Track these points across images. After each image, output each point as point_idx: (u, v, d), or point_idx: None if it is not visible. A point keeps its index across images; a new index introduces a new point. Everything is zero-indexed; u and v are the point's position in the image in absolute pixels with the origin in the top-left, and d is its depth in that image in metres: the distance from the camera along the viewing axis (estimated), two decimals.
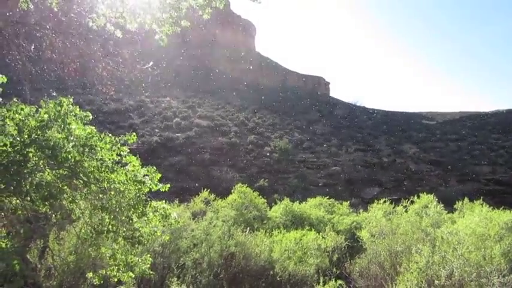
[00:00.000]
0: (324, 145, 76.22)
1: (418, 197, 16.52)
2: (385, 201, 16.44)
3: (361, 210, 22.57)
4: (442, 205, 15.20)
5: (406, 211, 15.17)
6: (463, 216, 13.67)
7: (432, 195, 16.31)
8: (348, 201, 27.57)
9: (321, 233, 14.63)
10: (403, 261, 9.55)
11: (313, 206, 23.78)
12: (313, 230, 15.23)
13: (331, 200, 26.37)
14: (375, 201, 17.75)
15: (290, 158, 65.67)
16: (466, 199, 17.85)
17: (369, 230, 13.15)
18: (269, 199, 30.04)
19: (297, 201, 24.00)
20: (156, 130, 65.64)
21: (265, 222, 20.51)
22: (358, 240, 13.42)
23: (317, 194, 32.36)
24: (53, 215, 6.46)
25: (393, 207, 16.14)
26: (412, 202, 16.18)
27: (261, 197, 23.50)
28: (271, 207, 23.66)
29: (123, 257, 7.18)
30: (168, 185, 7.39)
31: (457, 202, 19.12)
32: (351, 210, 25.34)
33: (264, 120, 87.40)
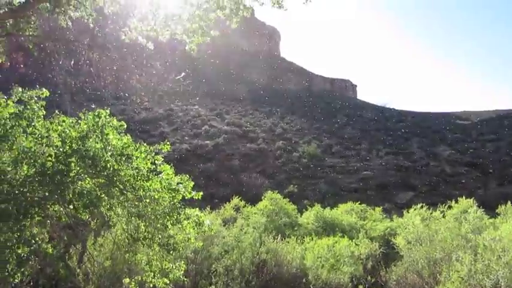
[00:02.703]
0: (354, 149, 74.97)
1: (456, 201, 15.91)
2: (421, 206, 15.89)
3: (395, 216, 22.00)
4: (483, 210, 14.54)
5: (443, 216, 14.61)
6: (507, 221, 13.01)
7: (471, 199, 15.65)
8: (381, 207, 26.93)
9: (353, 240, 14.38)
10: (442, 270, 9.22)
11: (344, 212, 23.42)
12: (345, 236, 14.98)
13: (362, 205, 25.87)
14: (410, 206, 17.21)
15: (319, 163, 65.01)
16: (508, 203, 16.99)
17: (404, 236, 12.78)
18: (299, 205, 29.82)
19: (328, 207, 23.71)
20: (186, 138, 66.71)
21: (296, 228, 20.38)
22: (394, 247, 13.09)
23: (348, 199, 31.76)
24: (92, 222, 6.70)
25: (430, 213, 15.57)
26: (450, 207, 15.60)
27: (291, 203, 23.41)
28: (301, 214, 23.49)
29: (158, 263, 7.33)
30: (201, 193, 7.51)
31: (498, 206, 18.24)
32: (384, 215, 24.74)
33: (291, 126, 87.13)
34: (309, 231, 18.96)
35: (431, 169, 65.75)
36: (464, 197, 16.24)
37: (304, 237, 15.46)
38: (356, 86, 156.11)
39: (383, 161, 68.76)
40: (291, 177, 58.21)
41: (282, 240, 14.00)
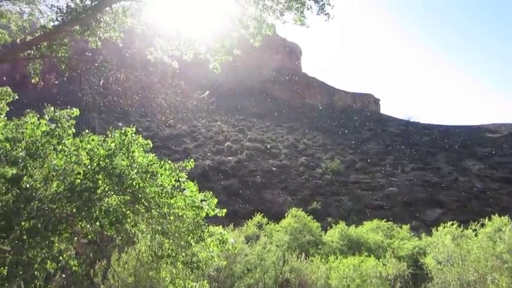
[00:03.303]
0: (378, 165, 73.54)
1: (489, 218, 15.25)
2: (452, 224, 15.25)
3: (423, 234, 21.34)
4: None
5: (476, 235, 13.99)
6: None
7: (506, 216, 14.97)
8: (408, 224, 26.21)
9: (380, 259, 13.95)
10: None
11: (370, 230, 22.88)
12: (371, 256, 14.58)
13: (389, 223, 25.26)
14: (438, 224, 16.60)
15: (343, 179, 64.06)
16: None
17: (434, 256, 12.31)
18: (323, 223, 29.36)
19: (353, 225, 23.23)
20: (209, 154, 67.26)
21: (320, 247, 20.02)
22: (423, 268, 12.61)
23: (373, 216, 31.08)
24: (117, 238, 6.77)
25: (461, 231, 14.92)
26: (483, 225, 14.95)
27: (314, 220, 23.08)
28: (325, 231, 23.09)
29: (181, 281, 7.31)
30: (225, 210, 7.50)
31: None
32: (412, 234, 24.07)
33: (314, 141, 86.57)
34: (334, 250, 18.58)
35: (460, 185, 63.47)
36: (497, 214, 15.53)
37: (328, 256, 15.14)
38: (379, 100, 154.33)
39: (409, 177, 67.04)
40: (314, 194, 57.50)
41: (305, 259, 13.76)
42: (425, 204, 55.46)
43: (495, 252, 10.43)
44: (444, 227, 15.04)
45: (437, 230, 15.44)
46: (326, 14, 8.53)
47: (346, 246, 19.59)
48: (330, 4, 8.49)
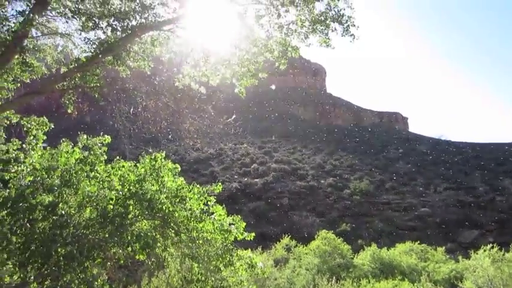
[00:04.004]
0: (409, 185, 71.42)
1: None
2: (492, 247, 14.49)
3: (460, 257, 20.46)
4: None
5: None
6: None
7: None
8: (443, 247, 25.27)
9: (415, 284, 13.43)
10: None
11: (403, 253, 22.13)
12: (406, 279, 14.07)
13: (422, 245, 24.41)
14: (476, 246, 15.87)
15: (372, 200, 62.53)
16: None
17: (474, 280, 11.71)
18: (353, 245, 28.64)
19: (384, 247, 22.57)
20: (236, 176, 67.47)
21: (351, 270, 19.51)
22: None
23: (406, 238, 30.14)
24: (147, 262, 6.83)
25: (501, 254, 14.17)
26: None
27: (344, 242, 22.57)
28: (356, 254, 22.51)
29: None
30: (253, 234, 7.46)
31: None
32: (448, 256, 23.12)
33: (341, 162, 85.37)
34: (365, 273, 18.05)
35: (497, 205, 60.52)
36: None
37: (360, 280, 14.70)
38: (407, 118, 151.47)
39: (442, 197, 64.65)
40: (343, 215, 56.31)
41: (336, 282, 13.40)
42: (460, 225, 53.10)
43: None
44: (484, 249, 14.30)
45: (475, 252, 14.72)
46: (351, 35, 8.58)
47: (378, 269, 18.99)
48: (354, 25, 8.53)
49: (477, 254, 14.25)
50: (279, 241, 25.31)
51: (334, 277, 15.16)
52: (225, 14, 8.76)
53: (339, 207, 59.13)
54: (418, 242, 24.88)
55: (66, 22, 7.34)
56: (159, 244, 6.65)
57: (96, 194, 5.72)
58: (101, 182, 5.92)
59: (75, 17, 7.18)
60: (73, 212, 5.41)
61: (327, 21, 8.60)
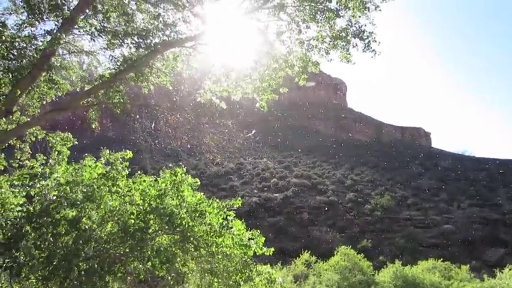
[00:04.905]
0: (431, 201, 69.64)
1: None
2: None
3: (485, 276, 19.77)
4: None
5: None
6: None
7: None
8: (468, 265, 24.46)
9: None
10: None
11: (425, 270, 21.53)
12: None
13: (446, 263, 23.68)
14: (502, 264, 15.36)
15: (394, 215, 61.18)
16: None
17: None
18: (374, 261, 28.03)
19: (407, 264, 22.03)
20: (255, 191, 67.30)
21: (372, 287, 19.10)
22: None
23: (428, 255, 29.33)
24: (167, 277, 6.83)
25: None
26: None
27: (365, 259, 22.13)
28: (378, 271, 22.03)
29: None
30: (272, 249, 7.38)
31: None
32: (473, 275, 22.34)
33: (362, 177, 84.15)
34: None
35: None
36: None
37: None
38: (430, 133, 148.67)
39: (466, 214, 62.73)
40: (364, 231, 55.26)
41: None
42: (485, 243, 51.34)
43: None
44: (510, 268, 13.90)
45: (501, 271, 14.27)
46: (372, 51, 8.54)
47: (401, 287, 18.50)
48: (376, 41, 8.50)
49: (503, 273, 13.81)
50: (299, 256, 24.97)
51: None
52: (246, 31, 8.89)
53: (360, 223, 58.10)
54: (442, 259, 24.17)
55: (93, 40, 7.58)
56: (178, 259, 6.66)
57: (117, 208, 5.80)
58: (123, 197, 6.00)
59: (101, 35, 7.42)
60: (95, 226, 5.49)
61: (348, 37, 8.61)
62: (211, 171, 75.39)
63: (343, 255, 21.31)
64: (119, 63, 7.72)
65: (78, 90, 8.39)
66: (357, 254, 22.24)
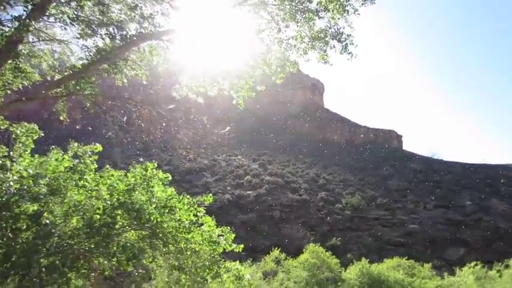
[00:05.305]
0: (400, 201, 71.67)
1: None
2: (476, 264, 14.74)
3: (445, 274, 20.58)
4: None
5: (500, 276, 13.50)
6: None
7: None
8: (430, 263, 25.37)
9: None
10: None
11: (390, 268, 22.18)
12: None
13: (410, 261, 24.46)
14: (462, 263, 16.07)
15: (363, 215, 62.58)
16: None
17: None
18: (342, 259, 28.57)
19: (373, 262, 22.60)
20: (228, 188, 67.11)
21: (339, 284, 19.49)
22: None
23: (394, 254, 30.19)
24: (134, 273, 6.74)
25: (485, 271, 14.40)
26: (507, 266, 14.43)
27: (333, 256, 22.54)
28: (345, 268, 22.49)
29: None
30: (242, 246, 7.41)
31: None
32: (434, 273, 23.20)
33: (334, 177, 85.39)
34: (353, 287, 18.04)
35: (484, 224, 61.10)
36: None
37: None
38: (401, 136, 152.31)
39: (431, 215, 65.02)
40: (334, 230, 56.24)
41: None
42: (448, 242, 53.56)
43: None
44: (468, 267, 14.59)
45: (460, 269, 14.95)
46: (349, 53, 8.66)
47: (366, 284, 18.99)
48: (353, 44, 8.63)
49: (462, 271, 14.49)
50: (269, 254, 25.15)
51: None
52: (225, 27, 8.82)
53: (330, 222, 59.08)
54: (406, 257, 24.94)
55: (64, 29, 7.31)
56: (146, 255, 6.57)
57: (83, 203, 5.64)
58: (90, 191, 5.84)
59: (74, 24, 7.16)
60: (58, 221, 5.32)
61: (326, 39, 8.70)
62: (185, 167, 74.54)
63: (312, 252, 21.61)
64: (92, 54, 7.49)
65: (47, 79, 8.07)
66: (326, 251, 22.61)
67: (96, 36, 7.53)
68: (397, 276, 19.72)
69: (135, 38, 7.73)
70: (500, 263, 14.58)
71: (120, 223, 5.85)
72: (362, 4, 8.59)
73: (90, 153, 6.35)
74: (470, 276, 13.36)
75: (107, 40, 7.64)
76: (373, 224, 59.98)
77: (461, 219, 62.66)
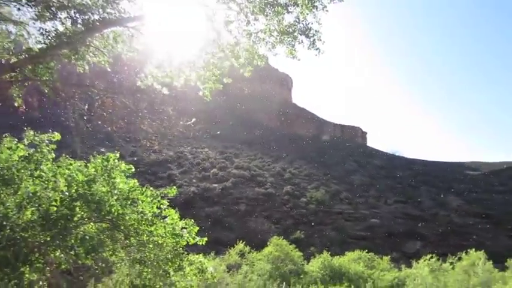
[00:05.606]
0: (362, 196, 73.92)
1: (466, 252, 15.56)
2: (431, 257, 15.50)
3: (403, 266, 21.45)
4: (491, 262, 14.27)
5: (453, 268, 14.27)
6: None
7: (482, 252, 15.35)
8: (389, 256, 26.33)
9: None
10: None
11: (352, 260, 22.84)
12: (352, 286, 14.54)
13: (370, 254, 25.30)
14: (418, 256, 16.80)
15: (327, 209, 64.03)
16: None
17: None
18: (306, 252, 29.13)
19: (335, 255, 23.16)
20: (194, 180, 66.55)
21: (301, 276, 19.80)
22: None
23: (355, 247, 31.09)
24: (93, 267, 6.54)
25: (439, 264, 15.17)
26: (460, 258, 15.25)
27: (297, 249, 22.92)
28: (308, 261, 22.91)
29: None
30: (205, 239, 7.36)
31: (507, 259, 17.84)
32: (392, 265, 24.12)
33: (300, 171, 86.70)
34: (315, 280, 18.42)
35: (440, 219, 64.46)
36: (473, 249, 15.89)
37: (309, 286, 15.00)
38: (366, 133, 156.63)
39: (391, 209, 67.57)
40: (298, 223, 57.22)
41: None
42: (406, 236, 56.01)
43: (469, 286, 10.60)
44: (424, 259, 15.31)
45: (417, 262, 15.66)
46: (317, 49, 8.72)
47: (328, 276, 19.46)
48: (320, 40, 8.69)
49: (418, 263, 15.15)
50: (234, 247, 25.21)
51: (284, 283, 15.32)
52: (193, 16, 8.63)
53: (295, 215, 60.04)
54: (367, 250, 25.76)
55: (18, 9, 6.86)
56: (106, 248, 6.40)
57: (38, 194, 5.37)
58: (46, 182, 5.57)
59: (30, 4, 6.74)
60: (11, 213, 5.04)
61: (295, 33, 8.71)
62: (150, 158, 73.08)
63: (276, 245, 21.86)
64: (50, 38, 7.09)
65: (2, 62, 7.58)
66: (290, 244, 22.92)
67: (56, 20, 7.13)
68: (357, 268, 20.33)
69: (98, 24, 7.40)
70: (453, 256, 15.36)
71: (79, 215, 5.63)
72: (331, 1, 8.66)
73: (47, 142, 6.04)
74: (426, 269, 14.01)
75: (68, 24, 7.26)
76: (337, 218, 61.55)
77: (418, 214, 65.66)
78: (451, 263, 14.93)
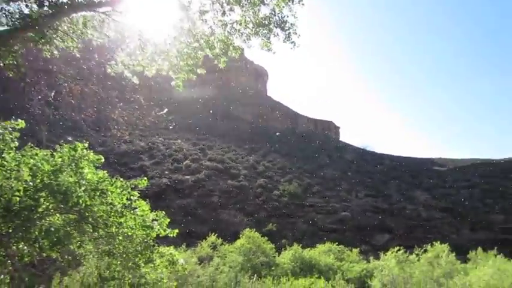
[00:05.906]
0: (334, 190, 75.31)
1: (431, 245, 16.15)
2: (398, 249, 16.05)
3: (371, 258, 22.09)
4: (455, 254, 14.89)
5: (418, 260, 14.80)
6: (476, 267, 13.30)
7: (446, 244, 15.98)
8: (358, 248, 27.03)
9: (330, 281, 14.17)
10: None
11: (322, 253, 23.27)
12: (322, 277, 14.80)
13: (340, 246, 25.85)
14: (386, 248, 17.32)
15: (299, 202, 64.85)
16: (479, 249, 17.40)
17: (380, 279, 12.72)
18: (277, 244, 29.42)
19: (306, 247, 23.54)
20: (166, 172, 65.67)
21: (273, 268, 19.98)
22: None
23: (326, 239, 31.73)
24: (59, 260, 6.36)
25: (406, 256, 15.72)
26: (425, 251, 15.82)
27: (269, 242, 23.10)
28: (279, 253, 23.15)
29: None
30: (176, 231, 7.27)
31: (470, 251, 18.71)
32: (361, 257, 24.77)
33: (273, 164, 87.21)
34: (286, 272, 18.64)
35: (407, 212, 66.71)
36: (438, 241, 16.53)
37: (280, 278, 15.17)
38: (339, 127, 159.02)
39: (361, 203, 69.26)
40: (270, 216, 57.70)
41: (258, 280, 13.65)
42: (375, 229, 57.69)
43: (433, 277, 11.01)
44: (392, 252, 15.83)
45: (384, 254, 16.15)
46: (292, 43, 8.71)
47: (299, 267, 19.75)
48: (296, 33, 8.67)
49: (386, 255, 15.62)
50: (206, 239, 25.14)
51: (256, 275, 15.41)
52: (167, 3, 8.43)
53: (267, 208, 60.50)
54: (337, 243, 26.32)
55: None
56: (74, 240, 6.21)
57: (0, 184, 5.13)
58: (8, 171, 5.32)
59: None
60: None
61: (270, 26, 8.65)
62: (121, 149, 71.49)
63: (248, 238, 21.93)
64: (14, 20, 6.74)
65: None
66: (262, 237, 23.06)
67: (21, 1, 6.79)
68: (327, 260, 20.74)
69: (66, 7, 7.09)
70: (419, 248, 15.92)
71: (44, 206, 5.42)
72: None
73: (10, 129, 5.76)
74: (393, 260, 14.46)
75: (34, 6, 6.92)
76: (308, 211, 62.50)
77: (387, 208, 67.67)
78: (417, 255, 15.48)
